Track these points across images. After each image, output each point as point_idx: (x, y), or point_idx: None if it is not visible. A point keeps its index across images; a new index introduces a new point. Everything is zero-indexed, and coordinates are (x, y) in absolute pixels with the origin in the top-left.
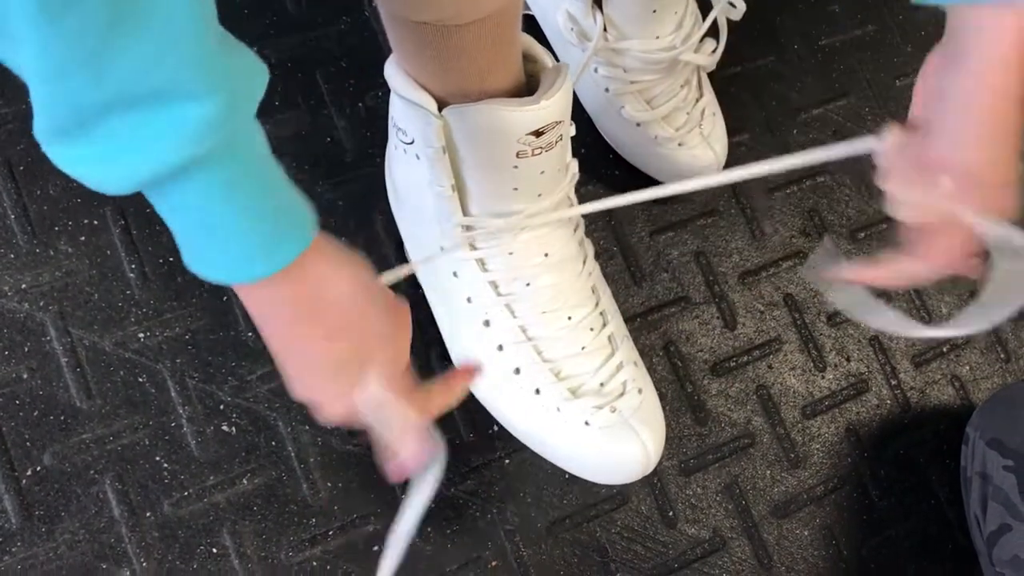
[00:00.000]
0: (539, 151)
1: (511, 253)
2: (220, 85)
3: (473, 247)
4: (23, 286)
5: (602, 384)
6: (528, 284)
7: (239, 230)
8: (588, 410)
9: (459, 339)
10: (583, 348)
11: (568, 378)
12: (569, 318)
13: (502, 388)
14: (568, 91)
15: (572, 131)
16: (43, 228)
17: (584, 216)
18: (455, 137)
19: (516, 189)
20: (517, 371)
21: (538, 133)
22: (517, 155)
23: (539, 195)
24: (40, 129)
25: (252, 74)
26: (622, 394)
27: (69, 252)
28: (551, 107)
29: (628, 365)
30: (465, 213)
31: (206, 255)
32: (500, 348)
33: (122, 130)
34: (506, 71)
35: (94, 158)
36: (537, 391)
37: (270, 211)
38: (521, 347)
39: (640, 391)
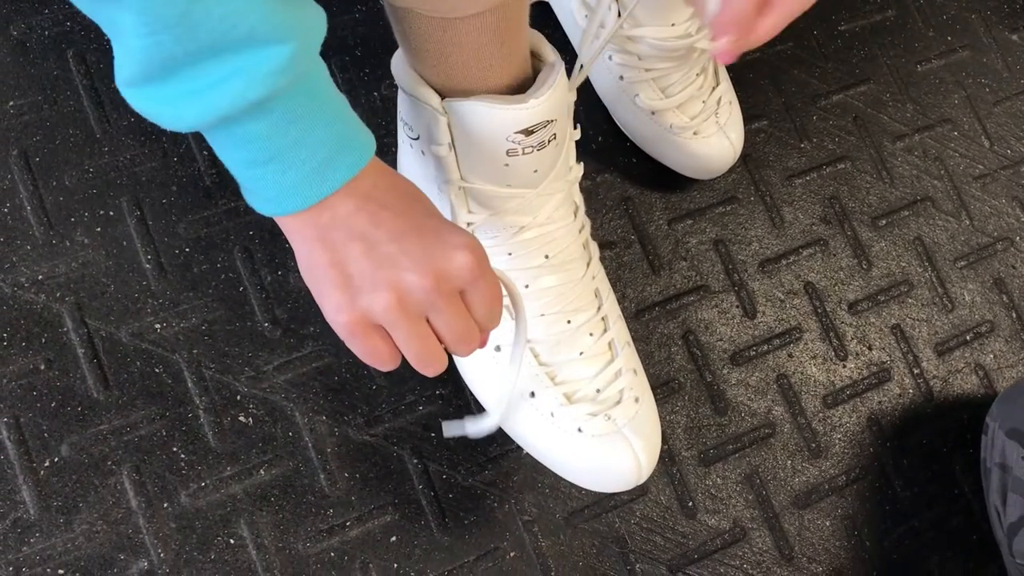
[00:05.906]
0: (530, 150)
1: (510, 254)
2: (293, 31)
3: None
4: (40, 277)
5: (598, 391)
6: (527, 286)
7: (298, 158)
8: (582, 417)
9: None
10: (581, 353)
11: (564, 383)
12: (568, 322)
13: (498, 389)
14: (562, 90)
15: (577, 134)
16: (59, 219)
17: (602, 204)
18: (453, 132)
19: (509, 186)
20: None
21: (528, 132)
22: (507, 153)
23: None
24: (123, 77)
25: (317, 18)
26: (618, 402)
27: (85, 243)
28: (541, 106)
29: (627, 373)
30: (468, 210)
31: (262, 186)
32: (497, 349)
33: (207, 74)
34: (509, 67)
35: (175, 97)
36: (532, 394)
37: (333, 136)
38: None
39: (637, 400)
